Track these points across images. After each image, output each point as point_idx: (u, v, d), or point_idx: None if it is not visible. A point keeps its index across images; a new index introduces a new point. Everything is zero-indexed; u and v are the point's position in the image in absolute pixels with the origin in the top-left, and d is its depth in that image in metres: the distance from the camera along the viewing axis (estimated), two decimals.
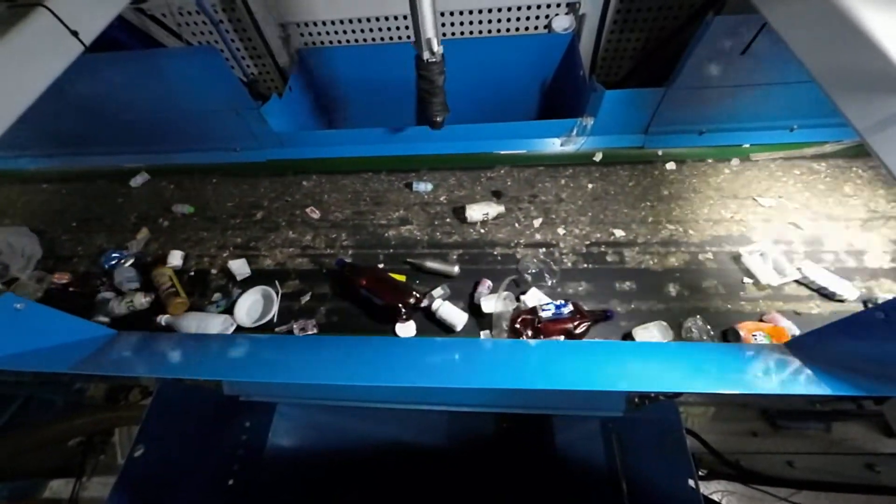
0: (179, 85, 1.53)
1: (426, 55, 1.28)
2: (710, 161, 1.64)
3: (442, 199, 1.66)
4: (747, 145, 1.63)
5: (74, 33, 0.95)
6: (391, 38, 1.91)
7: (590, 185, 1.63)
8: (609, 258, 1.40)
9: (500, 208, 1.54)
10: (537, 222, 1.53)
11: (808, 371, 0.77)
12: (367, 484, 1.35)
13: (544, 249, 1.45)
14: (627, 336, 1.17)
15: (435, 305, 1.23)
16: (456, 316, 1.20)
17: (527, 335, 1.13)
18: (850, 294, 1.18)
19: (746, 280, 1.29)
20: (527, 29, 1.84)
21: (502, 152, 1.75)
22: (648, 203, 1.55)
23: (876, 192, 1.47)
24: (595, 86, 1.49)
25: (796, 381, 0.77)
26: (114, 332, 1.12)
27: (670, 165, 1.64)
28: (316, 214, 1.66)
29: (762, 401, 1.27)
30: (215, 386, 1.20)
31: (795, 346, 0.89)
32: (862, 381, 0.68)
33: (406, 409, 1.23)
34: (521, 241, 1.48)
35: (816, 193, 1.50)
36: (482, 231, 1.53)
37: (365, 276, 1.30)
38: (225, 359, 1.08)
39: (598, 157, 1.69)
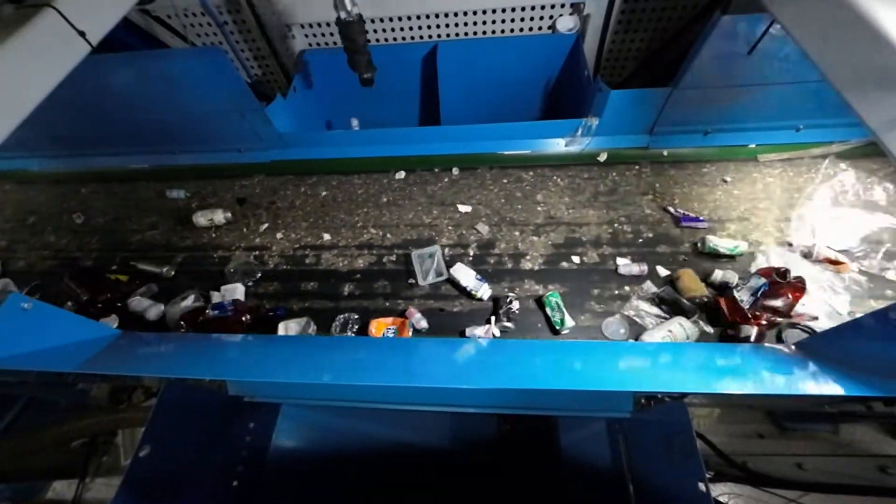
0: (185, 85, 1.53)
1: (342, 14, 1.36)
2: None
3: None
4: (753, 145, 1.62)
5: (82, 34, 0.95)
6: (395, 39, 1.91)
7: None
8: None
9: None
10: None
11: (819, 371, 0.76)
12: (371, 485, 1.34)
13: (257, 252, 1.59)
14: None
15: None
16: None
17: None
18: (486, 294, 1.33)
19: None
20: (531, 29, 1.84)
21: (507, 152, 1.74)
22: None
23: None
24: (600, 85, 1.49)
25: (807, 381, 0.77)
26: (118, 331, 1.12)
27: None
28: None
29: (770, 402, 1.26)
30: (219, 387, 1.20)
31: (806, 347, 0.88)
32: (874, 381, 0.68)
33: (410, 411, 1.23)
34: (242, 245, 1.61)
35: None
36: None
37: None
38: (229, 359, 1.08)
39: (603, 157, 1.69)
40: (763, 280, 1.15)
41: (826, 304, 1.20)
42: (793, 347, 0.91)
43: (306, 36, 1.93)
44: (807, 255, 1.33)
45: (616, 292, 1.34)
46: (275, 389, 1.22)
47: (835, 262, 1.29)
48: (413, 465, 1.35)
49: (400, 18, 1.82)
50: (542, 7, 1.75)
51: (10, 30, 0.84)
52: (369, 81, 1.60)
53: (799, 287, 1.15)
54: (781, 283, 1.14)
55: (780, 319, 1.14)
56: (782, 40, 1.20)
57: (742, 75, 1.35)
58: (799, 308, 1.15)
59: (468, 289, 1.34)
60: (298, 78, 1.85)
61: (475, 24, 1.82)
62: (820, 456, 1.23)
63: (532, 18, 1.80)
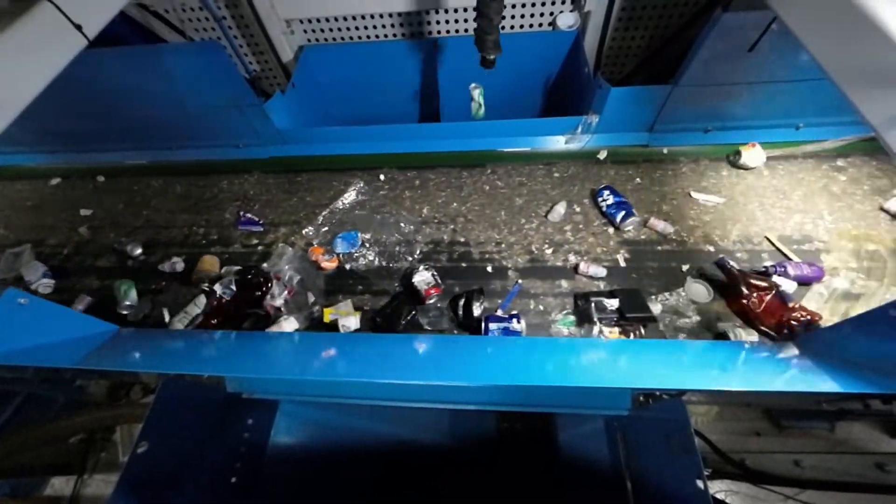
0: (182, 80, 1.52)
1: None
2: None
3: None
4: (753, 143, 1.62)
5: (78, 27, 0.94)
6: (395, 35, 1.90)
7: None
8: None
9: None
10: None
11: (818, 368, 0.76)
12: (369, 482, 1.34)
13: None
14: None
15: None
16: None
17: None
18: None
19: None
20: (531, 26, 1.83)
21: (507, 150, 1.74)
22: None
23: None
24: (600, 83, 1.48)
25: (806, 378, 0.77)
26: (116, 328, 1.11)
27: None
28: None
29: (768, 399, 1.26)
30: (217, 383, 1.20)
31: (805, 344, 0.89)
32: (873, 378, 0.68)
33: (408, 408, 1.23)
34: None
35: None
36: None
37: None
38: (227, 355, 1.07)
39: (603, 154, 1.69)
40: None
41: None
42: (791, 344, 0.91)
43: (305, 31, 1.91)
44: None
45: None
46: (273, 386, 1.21)
47: None
48: (411, 463, 1.35)
49: (400, 14, 1.81)
50: (543, 3, 1.74)
51: (5, 23, 0.83)
52: (492, 63, 1.56)
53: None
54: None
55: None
56: (784, 38, 1.20)
57: (743, 73, 1.35)
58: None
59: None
60: (297, 74, 1.84)
61: (475, 20, 1.81)
62: (817, 453, 1.24)
63: (532, 15, 1.79)
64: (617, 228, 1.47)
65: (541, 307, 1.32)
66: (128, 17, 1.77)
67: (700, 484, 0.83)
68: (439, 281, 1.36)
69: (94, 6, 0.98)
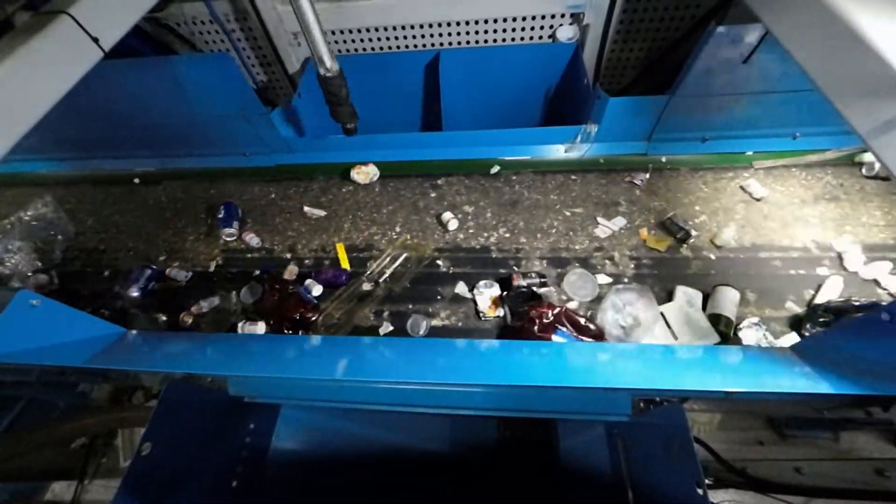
0: (192, 91, 1.57)
1: (322, 71, 1.41)
2: None
3: None
4: (750, 153, 1.64)
5: (95, 40, 0.98)
6: (398, 48, 1.96)
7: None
8: None
9: None
10: None
11: (814, 372, 0.77)
12: (369, 489, 1.34)
13: None
14: None
15: None
16: None
17: None
18: None
19: None
20: (532, 38, 1.88)
21: (508, 158, 1.77)
22: None
23: None
24: (599, 93, 1.51)
25: (802, 381, 0.77)
26: (123, 330, 1.13)
27: None
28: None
29: (769, 407, 1.26)
30: (220, 387, 1.21)
31: (801, 349, 0.89)
32: (868, 381, 0.68)
33: (409, 415, 1.23)
34: None
35: None
36: None
37: None
38: (231, 356, 1.09)
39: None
40: None
41: None
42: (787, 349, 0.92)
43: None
44: None
45: None
46: (275, 390, 1.22)
47: None
48: (412, 470, 1.35)
49: (403, 27, 1.86)
50: (543, 17, 1.79)
51: (26, 36, 0.87)
52: (353, 131, 1.65)
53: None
54: None
55: None
56: (776, 50, 1.23)
57: (738, 84, 1.38)
58: None
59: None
60: (303, 84, 1.89)
61: (477, 32, 1.86)
62: (819, 461, 1.23)
63: (533, 28, 1.83)
64: None
65: None
66: (141, 29, 1.83)
67: (700, 491, 0.83)
68: None
69: (111, 20, 1.02)
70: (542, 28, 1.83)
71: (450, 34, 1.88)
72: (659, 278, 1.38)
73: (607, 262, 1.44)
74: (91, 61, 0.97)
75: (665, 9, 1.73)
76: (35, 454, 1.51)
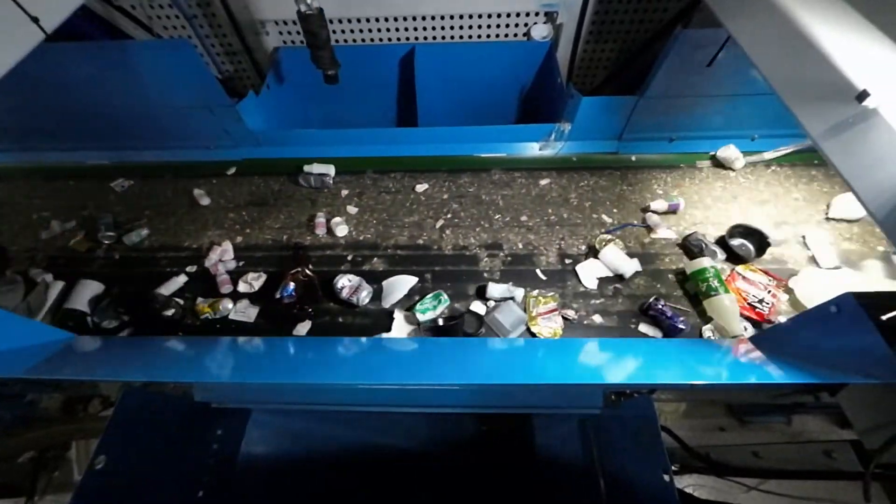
0: (150, 79, 1.47)
1: (302, 7, 1.34)
2: None
3: None
4: (714, 152, 1.71)
5: (35, 19, 0.90)
6: (372, 40, 1.91)
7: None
8: None
9: None
10: None
11: (770, 363, 0.82)
12: (345, 491, 1.31)
13: None
14: None
15: None
16: None
17: None
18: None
19: None
20: (507, 36, 1.88)
21: (483, 155, 1.77)
22: None
23: None
24: (572, 92, 1.54)
25: (759, 372, 0.81)
26: (71, 335, 1.05)
27: None
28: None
29: (728, 395, 1.33)
30: (184, 393, 1.15)
31: (758, 341, 0.94)
32: (818, 370, 0.73)
33: (385, 414, 1.21)
34: None
35: None
36: None
37: None
38: (194, 361, 1.03)
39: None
40: None
41: None
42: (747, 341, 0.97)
43: (280, 33, 1.89)
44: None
45: None
46: (244, 394, 1.17)
47: None
48: (388, 470, 1.34)
49: (378, 20, 1.82)
50: (518, 14, 1.79)
51: None
52: (334, 78, 1.58)
53: None
54: None
55: None
56: (738, 54, 1.28)
57: (702, 86, 1.44)
58: None
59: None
60: (272, 75, 1.82)
61: (452, 28, 1.84)
62: (774, 444, 1.31)
63: (508, 25, 1.84)
64: None
65: None
66: (91, 11, 1.70)
67: (666, 477, 0.86)
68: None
69: None
70: (516, 26, 1.84)
71: (425, 28, 1.85)
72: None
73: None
74: (30, 44, 0.89)
75: (635, 11, 1.77)
76: None
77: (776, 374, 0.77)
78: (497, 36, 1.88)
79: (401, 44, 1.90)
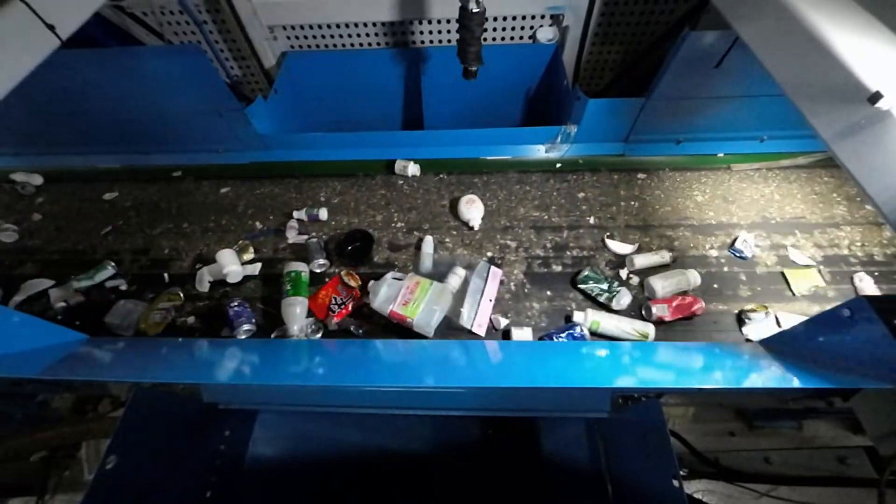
0: (159, 84, 1.50)
1: (472, 6, 1.37)
2: None
3: None
4: (722, 154, 1.70)
5: (51, 27, 0.92)
6: (378, 44, 1.92)
7: None
8: None
9: None
10: None
11: (782, 367, 0.80)
12: (351, 493, 1.32)
13: None
14: None
15: None
16: None
17: None
18: None
19: None
20: (512, 39, 1.88)
21: (488, 158, 1.77)
22: None
23: None
24: (578, 94, 1.53)
25: (771, 376, 0.80)
26: (85, 336, 1.07)
27: None
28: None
29: (738, 399, 1.31)
30: (192, 393, 1.16)
31: (770, 344, 0.93)
32: (831, 374, 0.72)
33: (390, 416, 1.21)
34: None
35: None
36: None
37: None
38: (203, 363, 1.04)
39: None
40: None
41: None
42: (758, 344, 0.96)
43: (288, 38, 1.91)
44: None
45: None
46: (252, 395, 1.18)
47: None
48: (394, 472, 1.34)
49: (384, 24, 1.83)
50: (524, 17, 1.80)
51: None
52: (474, 74, 1.60)
53: None
54: None
55: None
56: (746, 55, 1.27)
57: (710, 87, 1.42)
58: None
59: None
60: (280, 79, 1.84)
61: (458, 31, 1.85)
62: (786, 450, 1.29)
63: (514, 28, 1.84)
64: None
65: None
66: (105, 19, 1.73)
67: (675, 483, 0.85)
68: None
69: (68, 6, 0.96)
70: (522, 29, 1.84)
71: (430, 32, 1.86)
72: None
73: None
74: (46, 50, 0.91)
75: (641, 13, 1.77)
76: None
77: (787, 379, 0.76)
78: (503, 39, 1.88)
79: (406, 48, 1.91)
